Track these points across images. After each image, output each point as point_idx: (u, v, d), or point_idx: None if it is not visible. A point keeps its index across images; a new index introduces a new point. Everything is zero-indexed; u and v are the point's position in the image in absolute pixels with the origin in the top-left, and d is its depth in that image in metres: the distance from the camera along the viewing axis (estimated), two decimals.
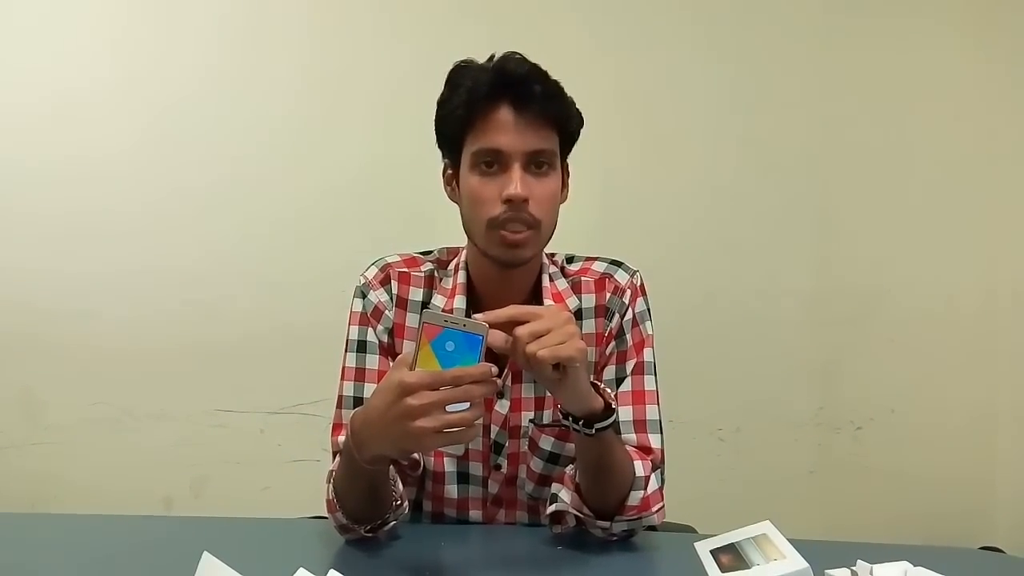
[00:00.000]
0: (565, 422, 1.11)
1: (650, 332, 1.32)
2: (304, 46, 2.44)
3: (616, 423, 1.12)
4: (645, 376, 1.29)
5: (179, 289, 2.41)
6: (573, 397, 1.07)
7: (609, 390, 1.13)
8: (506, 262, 1.21)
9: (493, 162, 1.17)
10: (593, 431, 1.09)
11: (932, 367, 2.55)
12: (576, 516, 1.18)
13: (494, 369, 0.93)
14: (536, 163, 1.18)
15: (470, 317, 0.98)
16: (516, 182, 1.15)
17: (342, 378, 1.30)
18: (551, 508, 1.20)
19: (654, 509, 1.20)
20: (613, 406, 1.11)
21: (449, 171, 1.26)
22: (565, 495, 1.19)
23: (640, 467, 1.19)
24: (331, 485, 1.18)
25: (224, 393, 2.43)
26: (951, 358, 2.56)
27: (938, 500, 2.51)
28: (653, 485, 1.20)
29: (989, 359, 2.56)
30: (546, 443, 1.29)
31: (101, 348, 2.40)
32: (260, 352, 2.42)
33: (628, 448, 1.22)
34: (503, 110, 1.16)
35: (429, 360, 0.95)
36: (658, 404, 1.29)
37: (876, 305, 2.54)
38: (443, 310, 1.27)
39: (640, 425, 1.26)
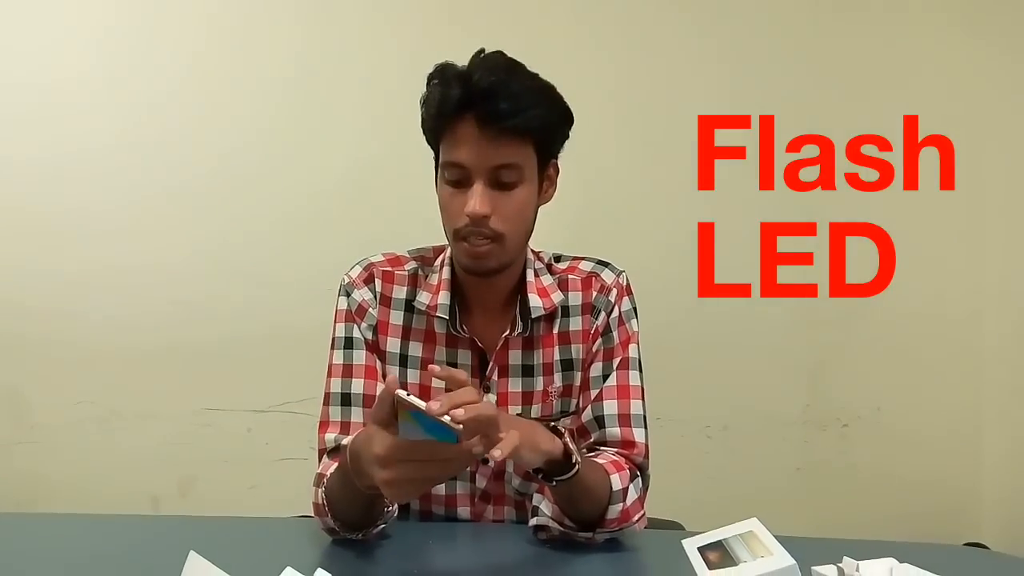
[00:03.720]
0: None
1: (635, 330, 1.34)
2: (293, 45, 2.43)
3: (578, 473, 1.10)
4: (630, 371, 1.30)
5: (166, 288, 2.40)
6: (525, 462, 1.10)
7: (571, 441, 1.10)
8: (472, 271, 1.23)
9: (458, 175, 1.18)
10: (554, 483, 1.10)
11: (918, 366, 2.56)
12: (559, 528, 1.18)
13: (477, 450, 0.94)
14: (501, 177, 1.17)
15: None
16: (476, 199, 1.16)
17: (329, 375, 1.31)
18: (534, 521, 1.20)
19: (634, 519, 1.21)
20: (574, 459, 1.09)
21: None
22: (546, 508, 1.19)
23: (617, 480, 1.19)
24: (321, 490, 1.18)
25: (211, 392, 2.42)
26: (937, 358, 2.57)
27: (924, 498, 2.52)
28: (632, 496, 1.21)
29: (974, 358, 2.57)
30: None
31: (88, 347, 2.39)
32: (247, 351, 2.41)
33: (604, 460, 1.22)
34: (468, 124, 1.15)
35: (407, 418, 0.94)
36: (643, 399, 1.30)
37: (863, 305, 2.55)
38: (428, 306, 1.28)
39: (624, 419, 1.27)
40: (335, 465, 1.18)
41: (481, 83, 1.14)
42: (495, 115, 1.14)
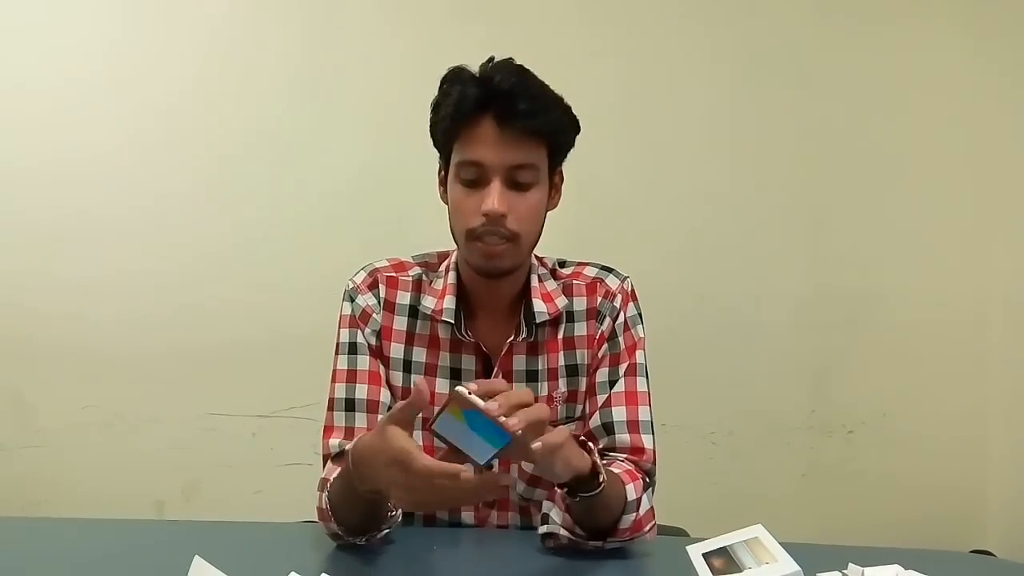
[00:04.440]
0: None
1: (642, 335, 1.34)
2: (297, 49, 2.44)
3: (603, 491, 1.10)
4: (637, 378, 1.31)
5: (171, 292, 2.41)
6: (553, 475, 1.08)
7: (599, 459, 1.11)
8: (485, 272, 1.23)
9: (475, 174, 1.18)
10: (577, 498, 1.10)
11: (924, 371, 2.56)
12: (568, 537, 1.18)
13: (504, 480, 0.93)
14: (517, 177, 1.18)
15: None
16: (494, 197, 1.16)
17: (333, 380, 1.31)
18: (543, 528, 1.19)
19: (646, 529, 1.21)
20: (601, 478, 1.09)
21: (443, 172, 1.27)
22: (556, 515, 1.18)
23: (632, 490, 1.19)
24: (325, 494, 1.18)
25: (216, 396, 2.42)
26: (943, 362, 2.56)
27: (929, 504, 2.52)
28: (645, 506, 1.21)
29: (980, 363, 2.57)
30: None
31: (92, 351, 2.39)
32: (252, 355, 2.41)
33: (620, 469, 1.22)
34: (487, 124, 1.17)
35: (456, 414, 0.92)
36: (650, 405, 1.31)
37: (868, 309, 2.55)
38: (433, 311, 1.28)
39: (633, 425, 1.28)
40: (339, 470, 1.19)
41: (502, 84, 1.16)
42: (515, 114, 1.15)
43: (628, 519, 1.18)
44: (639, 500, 1.19)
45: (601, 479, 1.09)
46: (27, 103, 2.38)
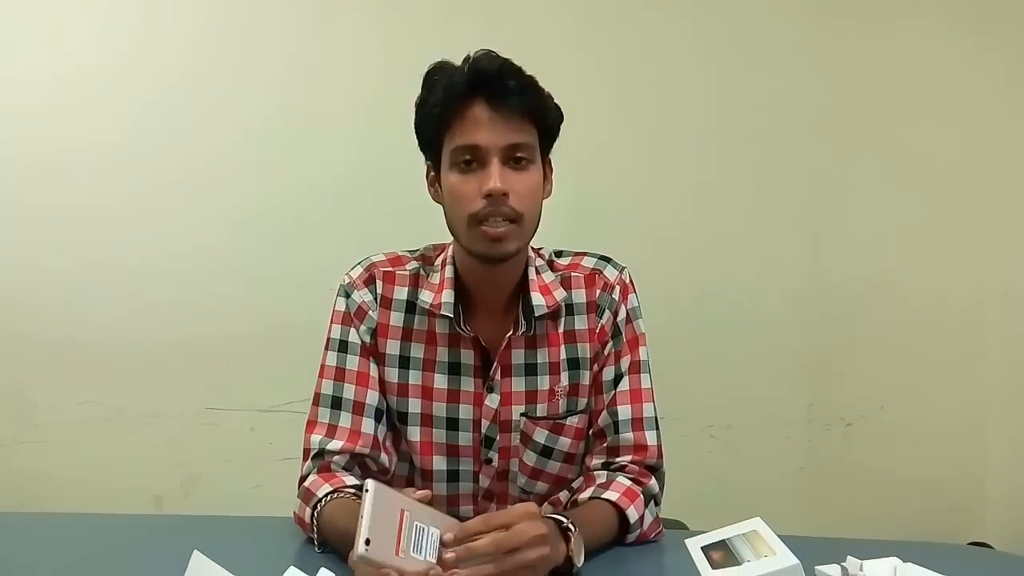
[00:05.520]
0: None
1: (643, 330, 1.34)
2: (291, 41, 2.43)
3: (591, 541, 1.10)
4: (641, 375, 1.31)
5: (169, 286, 2.40)
6: None
7: (576, 547, 1.06)
8: (490, 257, 1.21)
9: (472, 158, 1.17)
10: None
11: (922, 365, 2.56)
12: None
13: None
14: (515, 157, 1.18)
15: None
16: (495, 176, 1.15)
17: (321, 375, 1.30)
18: None
19: (652, 537, 1.24)
20: (576, 567, 1.06)
21: (432, 173, 1.26)
22: None
23: (633, 512, 1.20)
24: (310, 511, 1.18)
25: (215, 391, 2.42)
26: (941, 356, 2.57)
27: (928, 496, 2.52)
28: (648, 519, 1.23)
29: (978, 357, 2.57)
30: (540, 436, 1.30)
31: (91, 346, 2.38)
32: (250, 350, 2.41)
33: (618, 492, 1.22)
34: (478, 107, 1.16)
35: None
36: (653, 401, 1.32)
37: (866, 303, 2.55)
38: (431, 305, 1.27)
39: (637, 423, 1.29)
40: (326, 487, 1.19)
41: (490, 67, 1.17)
42: (506, 92, 1.16)
43: (632, 536, 1.21)
44: (641, 518, 1.21)
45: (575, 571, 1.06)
46: (19, 97, 2.37)
